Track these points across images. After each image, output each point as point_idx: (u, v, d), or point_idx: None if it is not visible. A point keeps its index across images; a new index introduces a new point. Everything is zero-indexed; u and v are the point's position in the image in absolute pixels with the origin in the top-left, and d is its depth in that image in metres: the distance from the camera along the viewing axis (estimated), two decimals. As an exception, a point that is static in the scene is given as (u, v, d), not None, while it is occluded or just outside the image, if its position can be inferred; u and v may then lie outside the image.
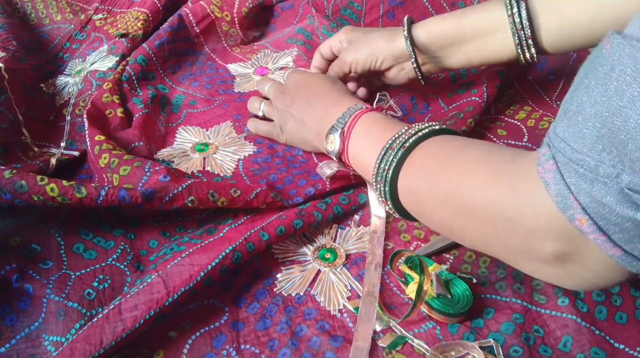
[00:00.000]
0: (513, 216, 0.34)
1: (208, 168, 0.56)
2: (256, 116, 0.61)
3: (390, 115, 0.63)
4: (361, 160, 0.48)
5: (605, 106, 0.27)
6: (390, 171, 0.43)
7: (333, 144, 0.50)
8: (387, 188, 0.44)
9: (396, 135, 0.44)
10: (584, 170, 0.29)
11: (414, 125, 0.45)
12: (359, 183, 0.53)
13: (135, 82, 0.63)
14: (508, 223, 0.34)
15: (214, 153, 0.58)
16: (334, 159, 0.51)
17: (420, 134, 0.43)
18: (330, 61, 0.64)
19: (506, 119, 0.63)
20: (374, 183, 0.45)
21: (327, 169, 0.52)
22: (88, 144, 0.52)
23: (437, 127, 0.44)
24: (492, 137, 0.60)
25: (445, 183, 0.39)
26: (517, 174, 0.34)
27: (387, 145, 0.44)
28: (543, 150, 0.32)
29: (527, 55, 0.51)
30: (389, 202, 0.45)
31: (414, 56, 0.55)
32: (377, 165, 0.44)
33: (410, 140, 0.43)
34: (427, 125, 0.44)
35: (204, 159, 0.57)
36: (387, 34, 0.57)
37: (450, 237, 0.44)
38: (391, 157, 0.43)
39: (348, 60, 0.59)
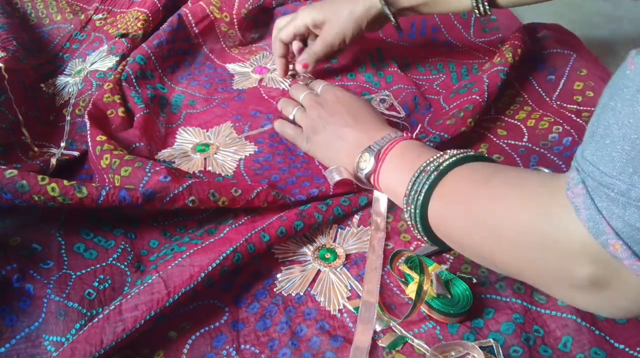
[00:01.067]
0: (546, 242, 0.33)
1: (209, 168, 0.56)
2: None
3: (393, 117, 0.64)
4: (392, 183, 0.48)
5: (634, 128, 0.27)
6: (422, 194, 0.43)
7: (366, 163, 0.50)
8: (417, 211, 0.43)
9: (430, 159, 0.44)
10: (615, 194, 0.28)
11: (448, 151, 0.45)
12: (362, 190, 0.53)
13: (134, 80, 0.63)
14: (541, 249, 0.34)
15: (215, 153, 0.58)
16: (362, 178, 0.51)
17: (454, 158, 0.43)
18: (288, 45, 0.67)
19: (506, 118, 0.63)
20: (405, 206, 0.45)
21: (336, 174, 0.52)
22: (89, 144, 0.52)
23: (471, 153, 0.44)
24: (492, 137, 0.60)
25: (476, 208, 0.39)
26: (548, 198, 0.34)
27: (421, 168, 0.44)
28: (572, 174, 0.32)
29: (482, 9, 0.59)
30: (418, 225, 0.44)
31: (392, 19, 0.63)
32: (409, 187, 0.44)
33: (445, 164, 0.43)
34: (461, 151, 0.44)
35: (205, 159, 0.57)
36: (350, 6, 0.63)
37: (480, 262, 0.43)
38: (424, 180, 0.43)
39: (337, 42, 0.64)
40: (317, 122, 0.56)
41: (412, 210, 0.44)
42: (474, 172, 0.42)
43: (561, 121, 0.60)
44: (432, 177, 0.43)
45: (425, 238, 0.45)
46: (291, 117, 0.60)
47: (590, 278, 0.32)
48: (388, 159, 0.49)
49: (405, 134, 0.51)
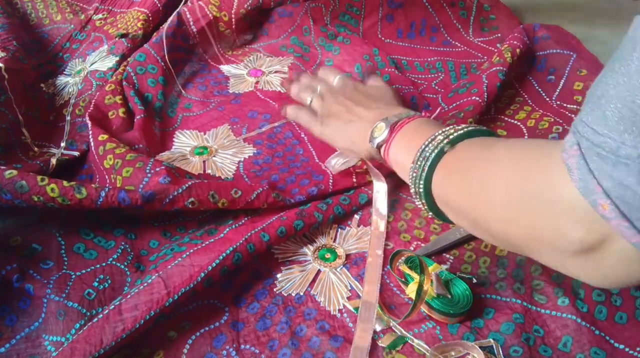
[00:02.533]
0: (536, 202, 0.33)
1: (209, 171, 0.56)
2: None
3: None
4: (402, 155, 0.47)
5: (627, 86, 0.27)
6: (428, 163, 0.42)
7: (380, 132, 0.49)
8: (422, 182, 0.43)
9: (441, 131, 0.43)
10: (606, 152, 0.28)
11: (462, 124, 0.44)
12: (361, 185, 0.53)
13: (134, 78, 0.63)
14: (531, 210, 0.34)
15: (214, 156, 0.58)
16: (372, 146, 0.50)
17: (464, 131, 0.43)
18: None
19: (506, 118, 0.63)
20: (410, 177, 0.44)
21: (339, 158, 0.51)
22: (92, 144, 0.52)
23: (484, 129, 0.44)
24: (492, 137, 0.60)
25: (473, 172, 0.39)
26: (542, 159, 0.34)
27: (431, 138, 0.43)
28: (568, 137, 0.32)
29: None
30: (422, 197, 0.44)
31: None
32: (417, 156, 0.44)
33: (454, 135, 0.42)
34: (475, 125, 0.44)
35: (204, 162, 0.57)
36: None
37: (474, 231, 0.43)
38: (431, 150, 0.42)
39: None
40: (334, 106, 0.56)
41: (417, 181, 0.43)
42: (481, 142, 0.42)
43: (561, 121, 0.60)
44: (440, 147, 0.42)
45: (429, 211, 0.44)
46: (307, 102, 0.60)
47: (580, 241, 0.31)
48: (402, 131, 0.48)
49: (424, 114, 0.50)
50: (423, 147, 0.43)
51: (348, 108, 0.55)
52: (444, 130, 0.43)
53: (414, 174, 0.43)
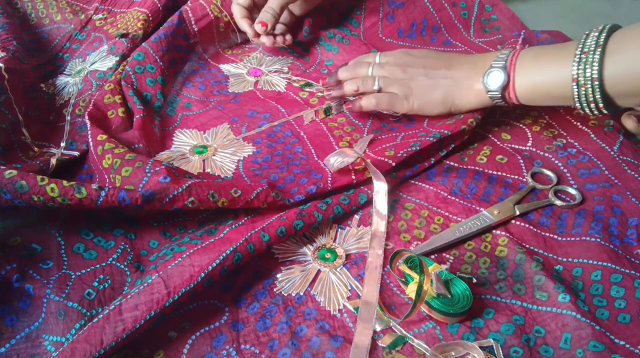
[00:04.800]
0: None
1: (208, 170, 0.56)
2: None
3: (390, 117, 0.64)
4: (541, 79, 0.50)
5: None
6: (596, 63, 0.45)
7: (496, 79, 0.52)
8: (595, 83, 0.46)
9: (584, 39, 0.47)
10: None
11: (592, 30, 0.47)
12: (360, 183, 0.53)
13: (133, 77, 0.63)
14: None
15: (213, 155, 0.58)
16: (495, 97, 0.53)
17: (607, 26, 0.47)
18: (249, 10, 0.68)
19: (511, 121, 0.63)
20: (575, 87, 0.47)
21: (339, 157, 0.52)
22: (91, 144, 0.52)
23: (617, 24, 0.48)
24: (495, 140, 0.60)
25: None
26: None
27: (581, 48, 0.47)
28: None
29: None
30: (597, 97, 0.47)
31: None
32: (576, 66, 0.47)
33: (603, 34, 0.46)
34: (606, 24, 0.47)
35: (204, 161, 0.57)
36: None
37: None
38: (592, 50, 0.46)
39: None
40: (406, 72, 0.57)
41: (589, 84, 0.46)
42: (636, 26, 0.45)
43: (565, 134, 0.60)
44: (604, 32, 0.46)
45: (604, 111, 0.48)
46: (376, 87, 0.59)
47: None
48: (518, 66, 0.51)
49: (519, 47, 0.53)
50: (577, 57, 0.47)
51: (427, 74, 0.56)
52: (586, 38, 0.47)
53: (583, 86, 0.47)
